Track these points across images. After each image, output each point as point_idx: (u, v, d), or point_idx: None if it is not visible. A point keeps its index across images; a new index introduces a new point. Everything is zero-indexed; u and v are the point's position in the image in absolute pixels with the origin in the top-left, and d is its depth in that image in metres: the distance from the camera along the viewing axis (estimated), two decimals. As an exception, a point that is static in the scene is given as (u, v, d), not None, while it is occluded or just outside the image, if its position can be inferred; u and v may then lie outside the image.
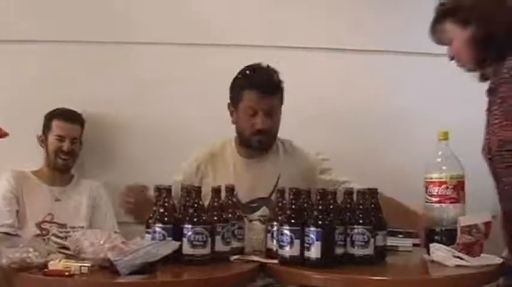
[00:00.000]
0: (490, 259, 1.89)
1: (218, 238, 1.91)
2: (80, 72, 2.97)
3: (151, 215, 1.93)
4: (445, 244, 1.92)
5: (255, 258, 1.98)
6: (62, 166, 2.80)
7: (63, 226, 2.68)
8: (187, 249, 1.85)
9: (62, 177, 2.84)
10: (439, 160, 2.03)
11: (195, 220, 1.87)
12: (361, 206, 1.94)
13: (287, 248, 1.86)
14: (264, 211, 2.34)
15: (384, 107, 3.02)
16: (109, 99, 2.94)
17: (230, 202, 2.03)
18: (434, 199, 2.01)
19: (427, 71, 2.95)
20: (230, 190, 2.05)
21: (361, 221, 1.90)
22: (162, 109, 2.98)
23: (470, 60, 2.03)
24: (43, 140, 2.83)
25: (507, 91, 1.92)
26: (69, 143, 2.79)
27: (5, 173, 2.74)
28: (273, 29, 3.02)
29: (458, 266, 1.83)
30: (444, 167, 2.01)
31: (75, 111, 2.85)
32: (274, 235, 1.96)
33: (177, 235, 1.87)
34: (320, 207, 1.85)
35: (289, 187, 1.96)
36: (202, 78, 2.94)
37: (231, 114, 2.46)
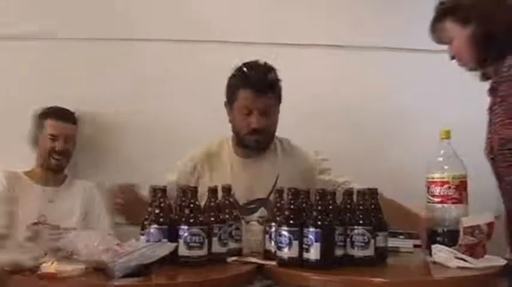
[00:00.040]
0: (493, 261, 1.87)
1: (215, 239, 1.89)
2: (77, 70, 2.96)
3: (147, 216, 1.90)
4: (447, 245, 1.90)
5: (253, 259, 1.95)
6: (55, 166, 2.78)
7: (56, 227, 2.65)
8: (183, 251, 1.83)
9: (55, 177, 2.81)
10: (441, 159, 2.02)
11: (191, 220, 1.85)
12: (361, 207, 1.92)
13: (285, 249, 1.84)
14: (262, 212, 2.32)
15: (383, 105, 3.01)
16: (107, 97, 2.93)
17: (227, 202, 2.01)
18: (436, 199, 2.00)
19: (426, 68, 2.93)
20: (227, 189, 2.03)
21: (361, 222, 1.88)
22: (161, 107, 2.97)
23: (471, 60, 2.03)
24: (35, 140, 2.80)
25: (507, 89, 1.92)
26: (63, 142, 2.76)
27: (-3, 174, 2.72)
28: (273, 27, 3.02)
29: (460, 267, 1.81)
30: (446, 167, 2.00)
31: (68, 110, 2.82)
32: (273, 236, 1.94)
33: (173, 236, 1.84)
34: (319, 207, 1.83)
35: (288, 186, 1.94)
36: (202, 75, 2.93)
37: (227, 113, 2.44)
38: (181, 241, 1.83)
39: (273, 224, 1.94)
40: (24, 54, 2.94)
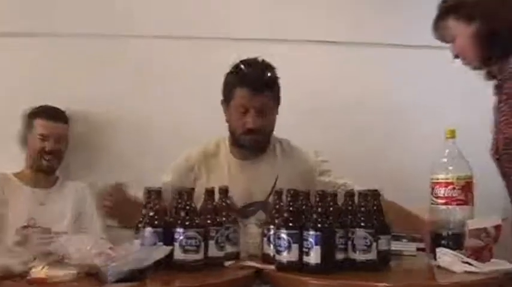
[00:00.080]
0: (500, 264, 1.84)
1: (212, 242, 1.86)
2: (73, 68, 2.94)
3: (141, 218, 1.87)
4: (452, 249, 1.88)
5: (251, 263, 1.93)
6: (46, 167, 2.75)
7: (46, 230, 2.60)
8: (178, 254, 1.80)
9: (46, 179, 2.78)
10: (445, 159, 1.99)
11: (187, 223, 1.82)
12: (362, 209, 1.88)
13: (285, 253, 1.81)
14: (260, 214, 2.28)
15: (383, 103, 3.00)
16: (107, 96, 2.91)
17: (224, 204, 1.98)
18: (440, 201, 1.97)
19: (429, 65, 2.93)
20: (224, 191, 2.00)
21: (363, 224, 1.85)
22: (159, 104, 2.96)
23: (475, 58, 2.02)
24: (25, 140, 2.77)
25: None
26: (53, 142, 2.74)
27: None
28: (273, 25, 3.02)
29: (466, 272, 1.78)
30: (451, 167, 1.97)
31: (58, 109, 2.79)
32: (271, 239, 1.92)
33: (168, 239, 1.81)
34: (319, 209, 1.80)
35: (287, 188, 1.91)
36: (201, 72, 2.93)
37: (224, 111, 2.41)
38: (176, 244, 1.80)
39: (272, 226, 1.92)
40: (13, 53, 2.91)
